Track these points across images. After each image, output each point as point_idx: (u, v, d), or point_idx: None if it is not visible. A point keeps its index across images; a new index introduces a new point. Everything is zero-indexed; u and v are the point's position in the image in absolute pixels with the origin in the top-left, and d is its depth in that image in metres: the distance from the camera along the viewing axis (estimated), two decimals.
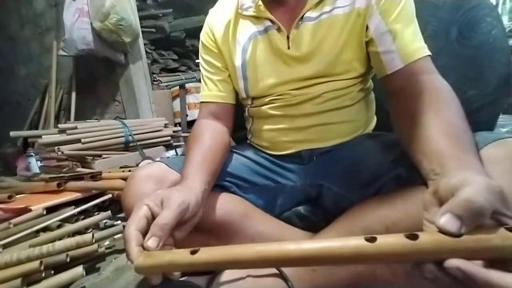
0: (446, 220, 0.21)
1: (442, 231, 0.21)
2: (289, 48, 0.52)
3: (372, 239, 0.23)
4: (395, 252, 0.22)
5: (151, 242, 0.31)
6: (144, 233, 0.33)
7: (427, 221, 0.26)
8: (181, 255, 0.29)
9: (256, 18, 0.54)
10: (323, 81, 0.52)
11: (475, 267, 0.20)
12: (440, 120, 0.35)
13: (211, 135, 0.54)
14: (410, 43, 0.46)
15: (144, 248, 0.32)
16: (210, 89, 0.60)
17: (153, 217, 0.34)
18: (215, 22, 0.58)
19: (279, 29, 0.52)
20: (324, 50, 0.50)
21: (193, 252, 0.28)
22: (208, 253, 0.28)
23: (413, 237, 0.22)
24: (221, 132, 0.57)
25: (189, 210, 0.36)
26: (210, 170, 0.46)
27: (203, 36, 0.61)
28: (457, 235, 0.21)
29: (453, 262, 0.20)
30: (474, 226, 0.21)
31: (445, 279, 0.21)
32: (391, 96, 0.47)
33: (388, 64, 0.47)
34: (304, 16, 0.51)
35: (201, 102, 0.61)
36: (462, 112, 0.37)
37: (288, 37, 0.52)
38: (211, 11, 0.61)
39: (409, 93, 0.42)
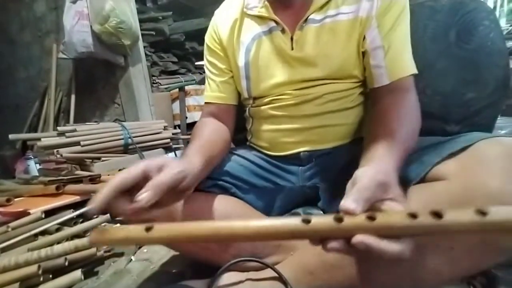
0: (347, 203, 0.28)
1: (343, 210, 0.28)
2: (292, 49, 0.52)
3: (307, 221, 0.27)
4: (323, 231, 0.28)
5: (144, 195, 0.32)
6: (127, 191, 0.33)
7: None
8: (136, 232, 0.30)
9: (261, 19, 0.55)
10: (324, 82, 0.53)
11: (371, 238, 0.26)
12: (387, 134, 0.42)
13: (211, 130, 0.56)
14: (398, 60, 0.49)
15: (134, 201, 0.32)
16: (212, 90, 0.61)
17: (146, 180, 0.33)
18: (220, 22, 0.59)
19: (283, 30, 0.53)
20: (328, 54, 0.51)
21: (147, 229, 0.29)
22: (161, 231, 0.29)
23: (338, 220, 0.27)
24: (221, 130, 0.58)
25: (185, 181, 0.37)
26: (207, 156, 0.47)
27: (207, 37, 0.61)
28: (371, 217, 0.27)
29: (358, 238, 0.26)
30: (367, 207, 0.29)
31: (349, 250, 0.27)
32: (372, 104, 0.52)
33: (376, 78, 0.50)
34: (309, 18, 0.51)
35: (205, 102, 0.63)
36: (412, 129, 0.44)
37: (292, 38, 0.52)
38: (216, 11, 0.61)
39: (382, 107, 0.48)
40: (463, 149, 0.36)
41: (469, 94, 0.60)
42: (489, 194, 0.31)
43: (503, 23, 3.46)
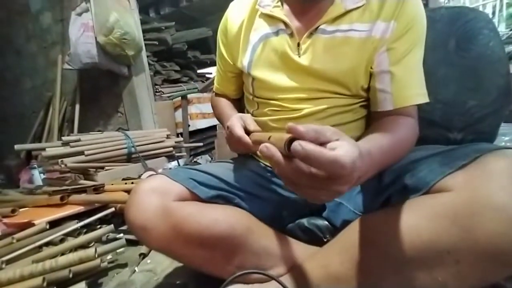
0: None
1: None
2: (299, 56, 0.52)
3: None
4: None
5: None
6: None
7: None
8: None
9: (271, 18, 0.54)
10: (327, 96, 0.52)
11: (308, 144, 0.28)
12: (380, 133, 0.45)
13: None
14: (406, 89, 0.48)
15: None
16: (217, 81, 0.70)
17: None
18: (231, 16, 0.61)
19: (291, 34, 0.52)
20: (335, 69, 0.50)
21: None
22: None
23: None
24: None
25: None
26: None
27: (219, 29, 0.64)
28: None
29: (295, 143, 0.28)
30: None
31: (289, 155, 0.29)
32: (371, 120, 0.54)
33: (380, 103, 0.50)
34: (319, 27, 0.50)
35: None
36: (402, 140, 0.46)
37: (298, 44, 0.52)
38: (231, 4, 0.63)
39: (380, 123, 0.49)
40: (471, 161, 0.36)
41: (471, 102, 0.60)
42: (494, 207, 0.31)
43: (502, 27, 3.47)
